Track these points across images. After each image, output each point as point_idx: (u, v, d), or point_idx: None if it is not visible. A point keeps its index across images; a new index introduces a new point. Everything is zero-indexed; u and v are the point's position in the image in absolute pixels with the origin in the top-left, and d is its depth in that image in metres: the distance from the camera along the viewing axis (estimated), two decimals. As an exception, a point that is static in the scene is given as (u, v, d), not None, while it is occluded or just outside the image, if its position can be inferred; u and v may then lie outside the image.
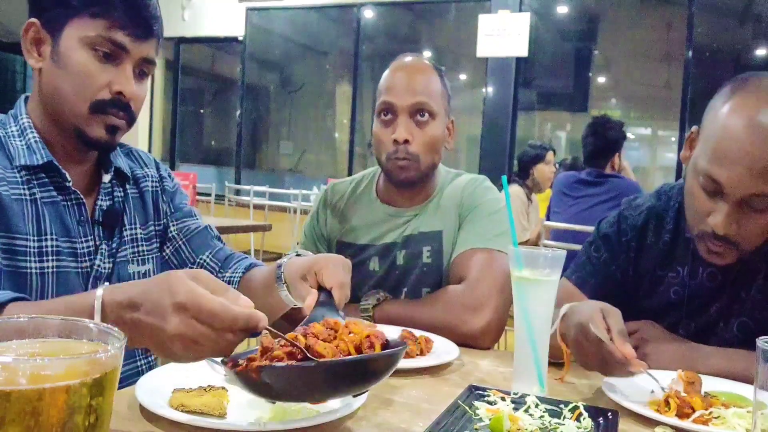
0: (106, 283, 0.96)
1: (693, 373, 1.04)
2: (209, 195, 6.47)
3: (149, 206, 1.28)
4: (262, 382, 0.73)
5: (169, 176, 1.36)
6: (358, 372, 0.76)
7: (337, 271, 1.01)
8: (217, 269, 1.31)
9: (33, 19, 1.10)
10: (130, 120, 1.14)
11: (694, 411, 0.97)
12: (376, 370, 0.77)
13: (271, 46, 8.86)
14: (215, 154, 9.61)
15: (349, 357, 0.77)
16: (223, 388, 0.92)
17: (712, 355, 1.19)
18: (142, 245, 1.25)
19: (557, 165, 5.40)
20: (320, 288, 1.01)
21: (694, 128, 1.24)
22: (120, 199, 1.22)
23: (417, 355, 1.22)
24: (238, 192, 7.00)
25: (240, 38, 8.09)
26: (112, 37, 1.07)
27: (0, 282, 1.03)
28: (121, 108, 1.10)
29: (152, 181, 1.30)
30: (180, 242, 1.32)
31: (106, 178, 1.20)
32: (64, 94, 1.08)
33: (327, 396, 0.81)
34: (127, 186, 1.25)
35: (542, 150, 4.53)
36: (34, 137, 1.11)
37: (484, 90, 6.59)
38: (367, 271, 1.55)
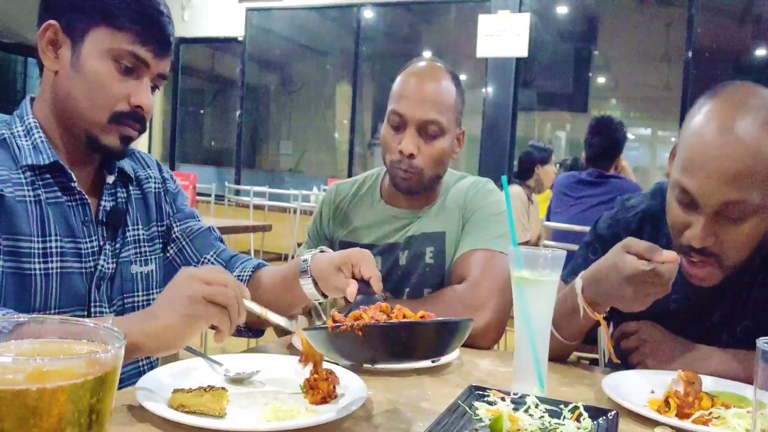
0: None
1: (693, 373, 1.04)
2: (209, 195, 6.46)
3: (152, 207, 1.29)
4: (366, 340, 0.80)
5: (171, 178, 1.37)
6: (448, 332, 0.85)
7: (373, 263, 1.09)
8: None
9: (53, 21, 1.09)
10: (142, 130, 1.17)
11: (695, 411, 0.97)
12: (462, 333, 0.86)
13: (271, 46, 8.86)
14: (215, 155, 9.61)
15: (444, 318, 0.88)
16: (223, 388, 0.92)
17: (712, 356, 1.19)
18: (145, 246, 1.26)
19: (558, 165, 5.41)
20: (355, 279, 1.07)
21: (676, 143, 1.22)
22: (123, 200, 1.23)
23: (417, 355, 1.22)
24: (238, 192, 7.00)
25: (240, 38, 8.10)
26: (136, 51, 1.09)
27: (3, 284, 1.03)
28: (138, 120, 1.13)
29: (155, 183, 1.31)
30: (183, 243, 1.32)
31: (110, 179, 1.20)
32: (82, 101, 1.09)
33: (416, 356, 0.90)
34: (130, 187, 1.25)
35: (547, 152, 4.54)
36: (40, 137, 1.11)
37: (484, 90, 6.59)
38: None
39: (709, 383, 1.09)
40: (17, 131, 1.12)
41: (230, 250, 1.37)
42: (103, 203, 1.18)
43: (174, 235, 1.32)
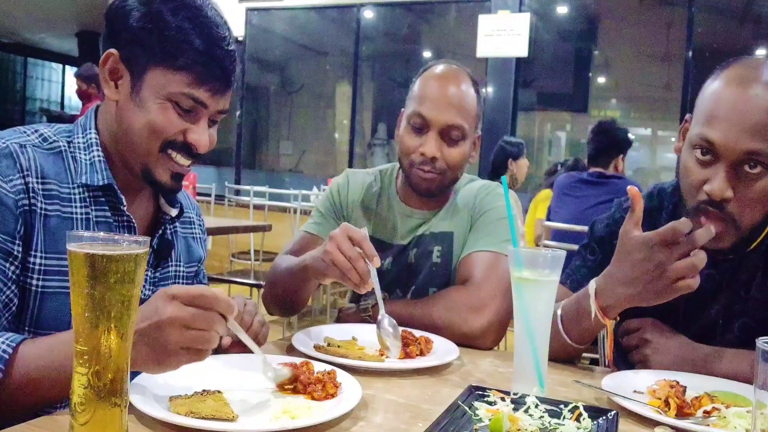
0: None
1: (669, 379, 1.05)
2: (209, 195, 6.44)
3: (192, 248, 1.32)
4: None
5: (203, 224, 1.40)
6: None
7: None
8: None
9: (113, 50, 1.08)
10: (194, 164, 1.16)
11: (695, 411, 0.97)
12: None
13: (271, 47, 8.86)
14: (215, 154, 9.57)
15: None
16: (218, 391, 0.92)
17: (715, 357, 1.18)
18: (183, 282, 1.27)
19: (559, 166, 5.39)
20: None
21: (687, 116, 1.25)
22: (171, 233, 1.25)
23: (417, 355, 1.22)
24: (237, 192, 7.00)
25: (240, 38, 8.08)
26: (193, 94, 1.07)
27: (38, 305, 1.02)
28: (190, 154, 1.12)
29: (195, 226, 1.35)
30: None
31: (174, 212, 1.22)
32: (138, 134, 1.08)
33: None
34: (177, 224, 1.28)
35: (519, 146, 4.39)
36: (98, 155, 1.11)
37: (484, 90, 6.58)
38: (378, 268, 1.55)
39: (709, 383, 1.09)
40: (77, 143, 1.12)
41: None
42: (159, 231, 1.20)
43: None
